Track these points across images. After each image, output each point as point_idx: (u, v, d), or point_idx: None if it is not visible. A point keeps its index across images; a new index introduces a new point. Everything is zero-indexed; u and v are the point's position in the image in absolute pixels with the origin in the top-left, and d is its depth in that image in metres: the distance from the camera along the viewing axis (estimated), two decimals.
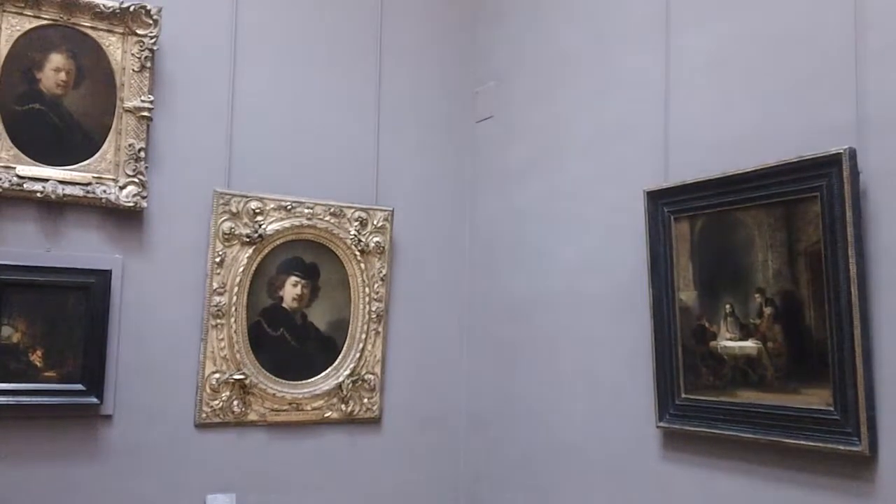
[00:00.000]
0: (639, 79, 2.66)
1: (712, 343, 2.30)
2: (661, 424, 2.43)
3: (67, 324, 2.67)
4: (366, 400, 3.19)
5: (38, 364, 2.64)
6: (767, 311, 2.15)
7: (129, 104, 2.78)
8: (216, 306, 2.91)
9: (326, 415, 3.11)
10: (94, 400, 2.69)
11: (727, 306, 2.26)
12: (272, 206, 3.01)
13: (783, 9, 2.21)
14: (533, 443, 3.02)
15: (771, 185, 2.11)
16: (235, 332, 2.94)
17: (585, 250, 2.84)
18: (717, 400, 2.28)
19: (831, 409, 1.97)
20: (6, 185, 2.60)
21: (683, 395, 2.38)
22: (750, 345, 2.19)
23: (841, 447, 1.94)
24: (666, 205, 2.43)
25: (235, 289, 2.94)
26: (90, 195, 2.71)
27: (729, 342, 2.25)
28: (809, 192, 2.02)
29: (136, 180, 2.77)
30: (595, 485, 2.73)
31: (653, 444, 2.51)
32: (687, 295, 2.38)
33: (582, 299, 2.84)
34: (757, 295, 2.17)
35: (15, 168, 2.63)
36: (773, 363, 2.14)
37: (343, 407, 3.13)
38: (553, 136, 3.04)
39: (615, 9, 2.81)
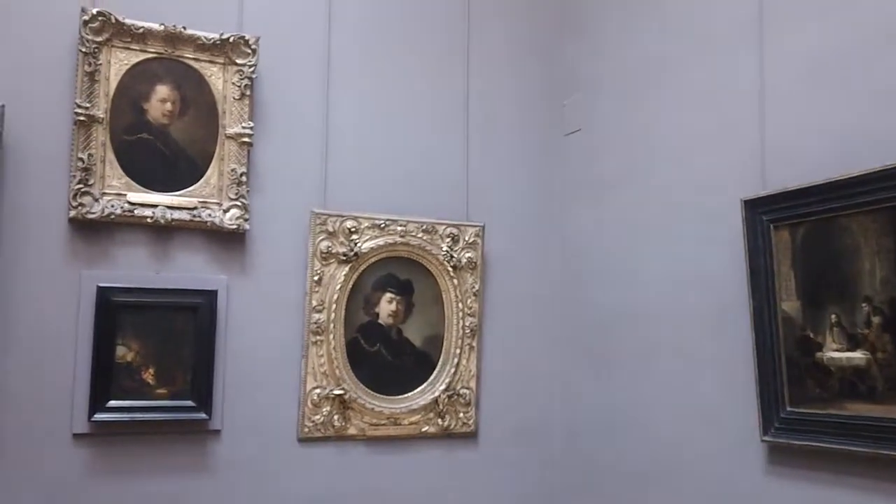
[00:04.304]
0: (732, 84, 2.62)
1: (818, 354, 2.24)
2: (766, 439, 2.38)
3: (177, 343, 2.79)
4: (461, 414, 3.21)
5: (150, 382, 2.76)
6: (875, 320, 2.08)
7: (230, 131, 2.89)
8: (315, 323, 2.99)
9: (423, 429, 3.15)
10: (204, 416, 2.79)
11: (833, 316, 2.19)
12: (366, 224, 3.08)
13: (883, 7, 2.14)
14: (630, 457, 2.98)
15: (877, 191, 2.04)
16: (334, 348, 3.01)
17: (680, 261, 2.81)
18: (824, 413, 2.21)
19: None
20: (118, 211, 2.74)
21: (789, 409, 2.32)
22: (858, 355, 2.13)
23: None
24: (765, 213, 2.38)
25: (333, 306, 3.02)
26: (196, 219, 2.82)
27: (836, 353, 2.19)
28: None
29: (238, 204, 2.88)
30: (696, 501, 2.68)
31: (757, 459, 2.45)
32: (790, 305, 2.32)
33: (677, 311, 2.80)
34: (864, 304, 2.10)
35: (126, 195, 2.76)
36: (882, 374, 2.06)
37: (440, 421, 3.17)
38: (643, 146, 3.02)
39: (705, 15, 2.77)
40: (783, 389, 2.34)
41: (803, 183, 2.25)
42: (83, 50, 2.71)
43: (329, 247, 3.02)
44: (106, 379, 2.69)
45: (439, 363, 3.19)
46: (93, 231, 2.75)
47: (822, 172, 2.21)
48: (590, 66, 3.37)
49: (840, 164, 2.17)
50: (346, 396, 3.01)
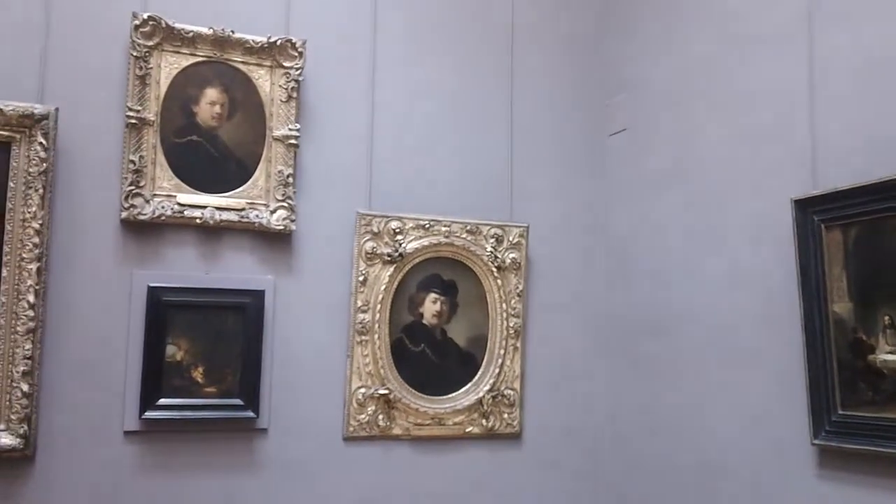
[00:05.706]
0: (781, 82, 2.58)
1: (870, 357, 2.20)
2: (817, 442, 2.34)
3: (225, 342, 2.83)
4: (506, 415, 3.21)
5: (199, 380, 2.80)
6: None
7: (277, 133, 2.92)
8: (360, 323, 3.01)
9: (468, 430, 3.15)
10: (251, 414, 2.82)
11: (886, 318, 2.16)
12: (411, 225, 3.10)
13: None
14: (677, 460, 2.96)
15: None
16: (379, 348, 3.03)
17: (727, 262, 2.78)
18: (877, 416, 2.18)
19: None
20: (168, 212, 2.79)
21: (840, 412, 2.28)
22: None
23: None
24: (816, 213, 2.34)
25: (378, 306, 3.04)
26: (244, 220, 2.86)
27: (889, 356, 2.15)
28: None
29: (285, 205, 2.91)
30: None
31: (807, 463, 2.42)
32: (841, 307, 2.29)
33: (724, 313, 2.77)
34: None
35: (176, 196, 2.81)
36: None
37: (484, 422, 3.17)
38: (690, 146, 2.99)
39: (754, 13, 2.74)
40: (834, 392, 2.30)
41: (855, 182, 2.22)
42: (134, 54, 2.77)
43: (374, 247, 3.05)
44: (156, 377, 2.74)
45: (483, 364, 3.19)
46: (144, 232, 2.80)
47: (874, 172, 2.17)
48: (635, 66, 3.34)
49: (892, 164, 2.13)
50: (391, 396, 3.03)
